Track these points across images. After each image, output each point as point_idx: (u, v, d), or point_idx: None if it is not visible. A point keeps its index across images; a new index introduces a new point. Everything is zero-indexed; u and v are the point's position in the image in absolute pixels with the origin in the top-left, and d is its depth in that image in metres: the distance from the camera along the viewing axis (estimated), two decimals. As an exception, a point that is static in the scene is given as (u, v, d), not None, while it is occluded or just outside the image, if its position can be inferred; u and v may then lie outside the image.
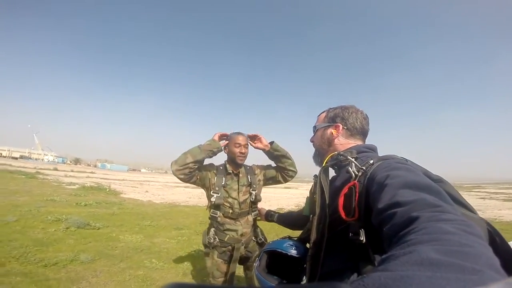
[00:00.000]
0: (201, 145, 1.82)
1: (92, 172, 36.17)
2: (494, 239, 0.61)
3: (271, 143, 1.94)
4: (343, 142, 0.98)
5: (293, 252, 1.02)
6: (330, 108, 1.08)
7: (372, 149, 0.94)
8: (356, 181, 0.74)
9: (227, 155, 1.97)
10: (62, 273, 3.04)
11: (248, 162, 2.03)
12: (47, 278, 2.89)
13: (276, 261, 1.08)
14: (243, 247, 1.90)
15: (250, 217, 1.95)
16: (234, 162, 1.91)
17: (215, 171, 1.93)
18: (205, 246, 1.92)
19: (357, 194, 0.71)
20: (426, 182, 0.59)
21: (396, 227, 0.50)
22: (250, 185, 1.93)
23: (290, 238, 1.15)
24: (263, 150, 1.95)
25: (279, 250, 1.05)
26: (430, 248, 0.34)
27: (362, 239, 0.67)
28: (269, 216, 1.69)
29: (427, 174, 0.72)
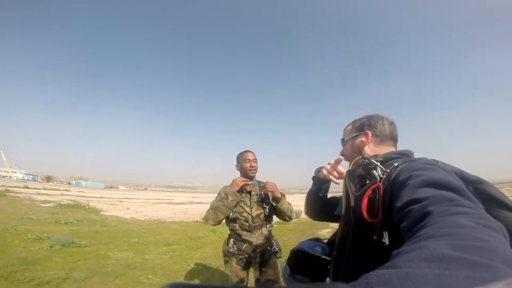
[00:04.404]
0: (224, 198, 2.02)
1: (66, 190, 34.46)
2: None
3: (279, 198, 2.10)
4: (375, 149, 0.96)
5: (319, 253, 1.01)
6: (356, 120, 1.08)
7: (406, 154, 0.89)
8: (380, 183, 0.74)
9: (240, 171, 2.20)
10: (56, 292, 2.92)
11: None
12: (41, 296, 2.76)
13: (303, 262, 1.08)
14: (259, 255, 2.08)
15: (265, 230, 2.15)
16: (246, 176, 2.14)
17: None
18: (225, 254, 2.14)
19: (380, 196, 0.70)
20: (448, 180, 0.57)
21: (411, 223, 0.49)
22: (263, 200, 2.13)
23: (318, 240, 1.15)
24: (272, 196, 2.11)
25: (306, 251, 1.05)
26: (442, 243, 0.33)
27: (385, 241, 0.65)
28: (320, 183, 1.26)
29: (462, 175, 0.71)
